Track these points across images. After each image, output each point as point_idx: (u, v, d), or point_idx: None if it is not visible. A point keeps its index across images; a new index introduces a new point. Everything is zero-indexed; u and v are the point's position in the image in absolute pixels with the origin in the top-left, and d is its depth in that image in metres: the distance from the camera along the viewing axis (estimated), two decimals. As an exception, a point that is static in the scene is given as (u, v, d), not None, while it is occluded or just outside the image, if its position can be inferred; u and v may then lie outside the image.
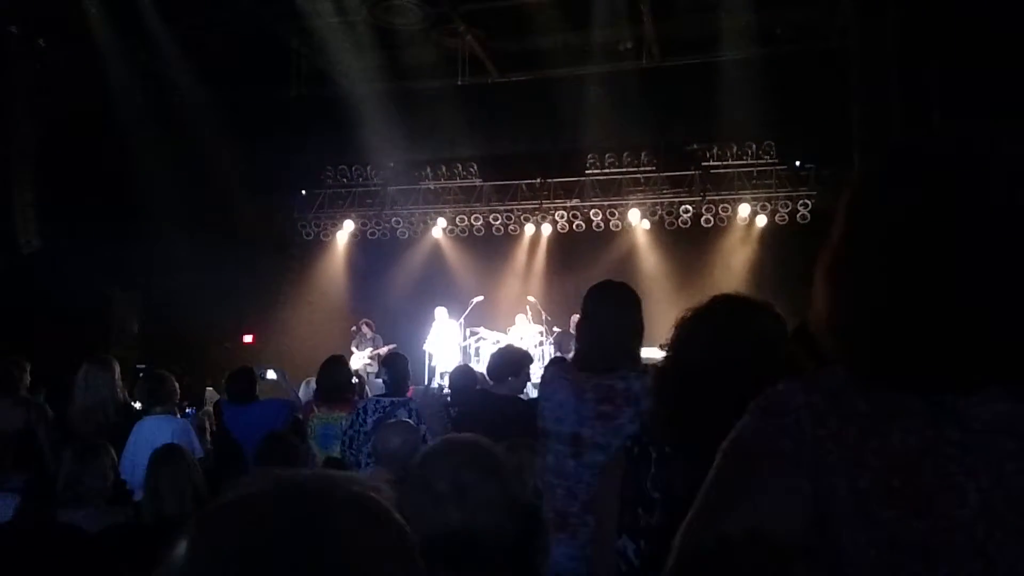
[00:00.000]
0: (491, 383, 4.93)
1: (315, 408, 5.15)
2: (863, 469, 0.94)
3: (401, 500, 1.63)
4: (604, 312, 2.80)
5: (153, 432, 4.50)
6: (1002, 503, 0.88)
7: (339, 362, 5.36)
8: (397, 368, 5.10)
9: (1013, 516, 0.88)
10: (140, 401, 4.95)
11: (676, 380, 1.77)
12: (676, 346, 1.80)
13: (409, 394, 5.31)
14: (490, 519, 1.59)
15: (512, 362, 4.89)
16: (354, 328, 12.14)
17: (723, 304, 1.81)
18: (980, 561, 0.88)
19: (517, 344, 8.22)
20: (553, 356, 8.00)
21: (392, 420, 4.07)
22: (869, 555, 0.93)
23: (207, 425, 6.47)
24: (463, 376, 5.63)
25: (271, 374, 6.71)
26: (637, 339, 2.82)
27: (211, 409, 7.64)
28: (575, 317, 11.58)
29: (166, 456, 3.30)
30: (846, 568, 0.96)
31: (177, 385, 5.15)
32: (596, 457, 2.65)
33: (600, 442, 2.66)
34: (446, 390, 7.14)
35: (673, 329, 1.82)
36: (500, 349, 5.13)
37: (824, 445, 0.98)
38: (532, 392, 5.19)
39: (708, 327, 1.77)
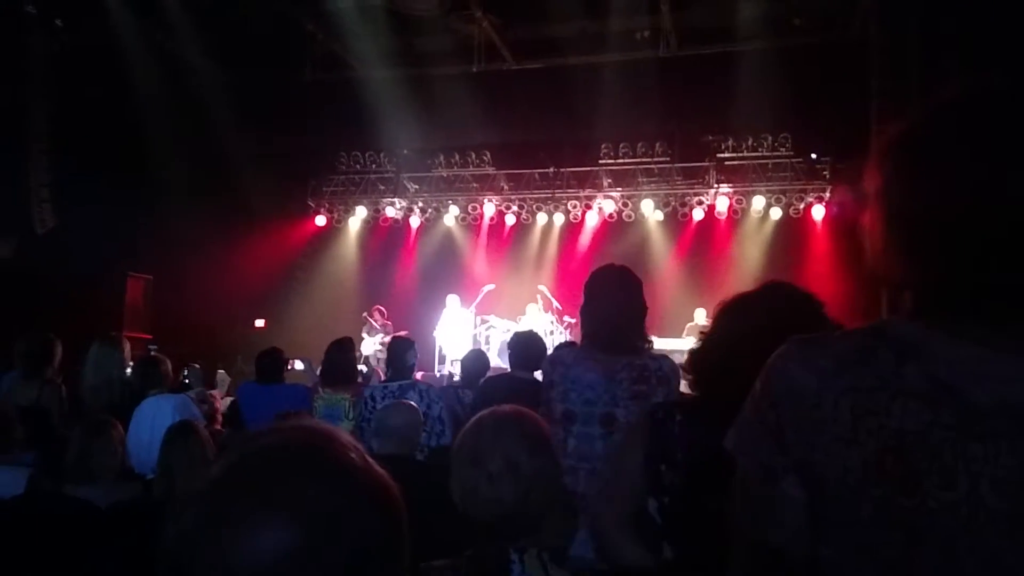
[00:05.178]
0: (509, 368, 4.91)
1: (320, 389, 5.16)
2: (856, 447, 0.96)
3: (454, 475, 1.65)
4: (614, 294, 2.83)
5: (154, 411, 4.49)
6: (989, 486, 0.89)
7: (345, 344, 5.35)
8: (398, 351, 5.08)
9: (997, 500, 0.89)
10: (133, 385, 4.93)
11: (714, 356, 1.87)
12: (719, 325, 1.88)
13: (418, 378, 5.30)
14: (539, 493, 1.63)
15: (539, 356, 4.88)
16: (365, 315, 12.16)
17: (769, 290, 1.87)
18: (965, 542, 0.89)
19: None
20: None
21: (393, 401, 4.07)
22: (855, 531, 0.95)
23: (218, 408, 6.49)
24: (476, 361, 5.62)
25: (298, 364, 6.72)
26: (644, 319, 2.88)
27: (215, 393, 7.66)
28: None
29: (180, 432, 3.30)
30: (833, 544, 0.98)
31: (170, 368, 5.13)
32: None
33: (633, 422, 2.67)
34: (456, 379, 7.12)
35: (718, 308, 1.91)
36: (523, 336, 5.03)
37: (817, 426, 0.99)
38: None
39: (751, 310, 1.83)
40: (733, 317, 1.85)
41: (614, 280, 2.88)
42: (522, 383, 4.56)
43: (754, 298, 1.86)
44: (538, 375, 5.13)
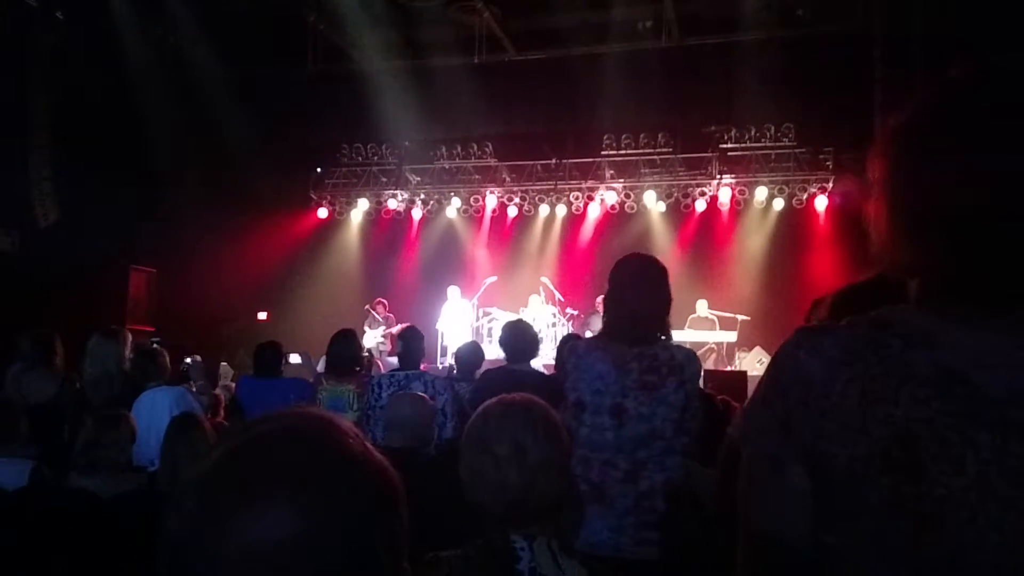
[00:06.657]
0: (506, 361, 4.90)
1: (323, 381, 5.17)
2: (863, 435, 0.96)
3: (462, 460, 1.66)
4: (638, 284, 2.81)
5: (151, 404, 4.50)
6: (998, 474, 0.89)
7: (348, 336, 5.36)
8: (410, 342, 5.09)
9: (1007, 487, 0.89)
10: (134, 378, 4.94)
11: None
12: (836, 315, 1.84)
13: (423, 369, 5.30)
14: (546, 480, 1.63)
15: (532, 344, 4.87)
16: (367, 307, 12.17)
17: (886, 279, 1.83)
18: (972, 530, 0.89)
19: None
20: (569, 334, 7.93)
21: (403, 392, 4.07)
22: (863, 519, 0.95)
23: (221, 400, 6.50)
24: (471, 354, 5.61)
25: (295, 358, 6.70)
26: (667, 311, 2.85)
27: (230, 384, 7.68)
28: (601, 299, 11.66)
29: (183, 424, 3.31)
30: (839, 532, 0.98)
31: (168, 361, 5.12)
32: (638, 428, 2.65)
33: (644, 412, 2.66)
34: (455, 372, 7.11)
35: (834, 297, 1.90)
36: (513, 326, 5.01)
37: (825, 415, 0.99)
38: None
39: (873, 298, 1.79)
40: (851, 307, 1.82)
41: (636, 270, 2.87)
42: (523, 376, 4.55)
43: (872, 287, 1.84)
44: (535, 364, 5.14)
